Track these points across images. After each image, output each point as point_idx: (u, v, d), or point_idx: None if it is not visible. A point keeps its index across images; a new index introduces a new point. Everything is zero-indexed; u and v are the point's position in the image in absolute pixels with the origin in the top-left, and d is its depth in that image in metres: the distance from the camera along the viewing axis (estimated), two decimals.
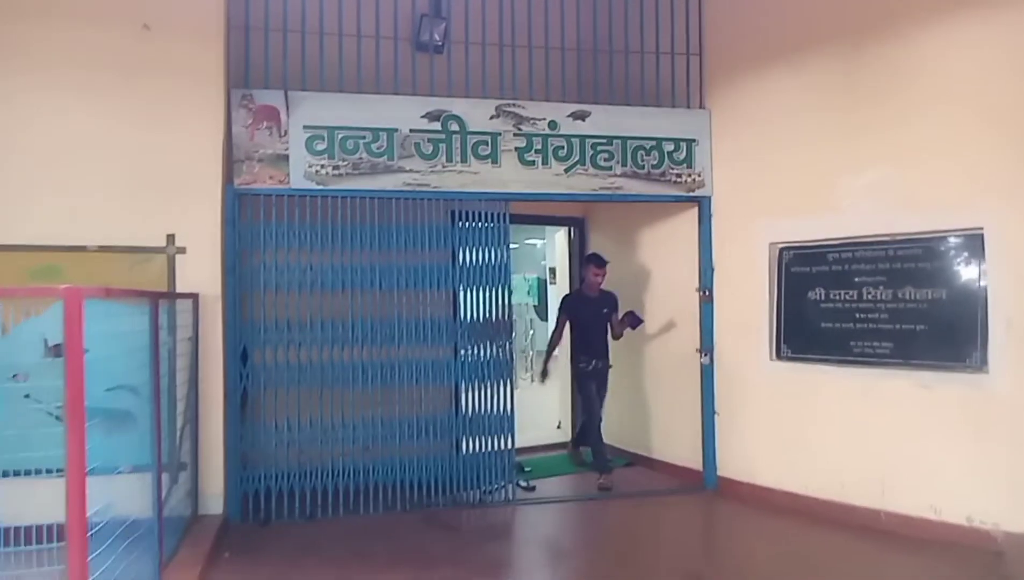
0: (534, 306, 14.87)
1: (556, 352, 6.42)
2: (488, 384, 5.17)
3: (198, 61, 4.54)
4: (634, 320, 5.77)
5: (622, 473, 5.79)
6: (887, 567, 3.96)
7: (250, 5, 4.86)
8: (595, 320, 5.76)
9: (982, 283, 4.09)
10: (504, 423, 5.17)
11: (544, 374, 6.09)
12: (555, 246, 7.74)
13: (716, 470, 5.38)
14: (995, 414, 4.01)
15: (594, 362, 5.70)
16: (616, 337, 5.86)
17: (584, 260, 5.93)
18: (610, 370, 5.84)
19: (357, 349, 4.91)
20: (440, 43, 5.46)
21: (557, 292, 7.87)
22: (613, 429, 6.18)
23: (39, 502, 3.36)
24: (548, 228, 8.50)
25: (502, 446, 5.17)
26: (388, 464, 4.98)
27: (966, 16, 4.15)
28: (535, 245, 15.79)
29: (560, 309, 6.04)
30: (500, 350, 5.20)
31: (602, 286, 5.81)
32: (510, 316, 5.26)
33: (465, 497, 5.08)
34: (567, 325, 5.95)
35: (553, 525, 4.98)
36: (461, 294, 5.20)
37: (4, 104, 4.26)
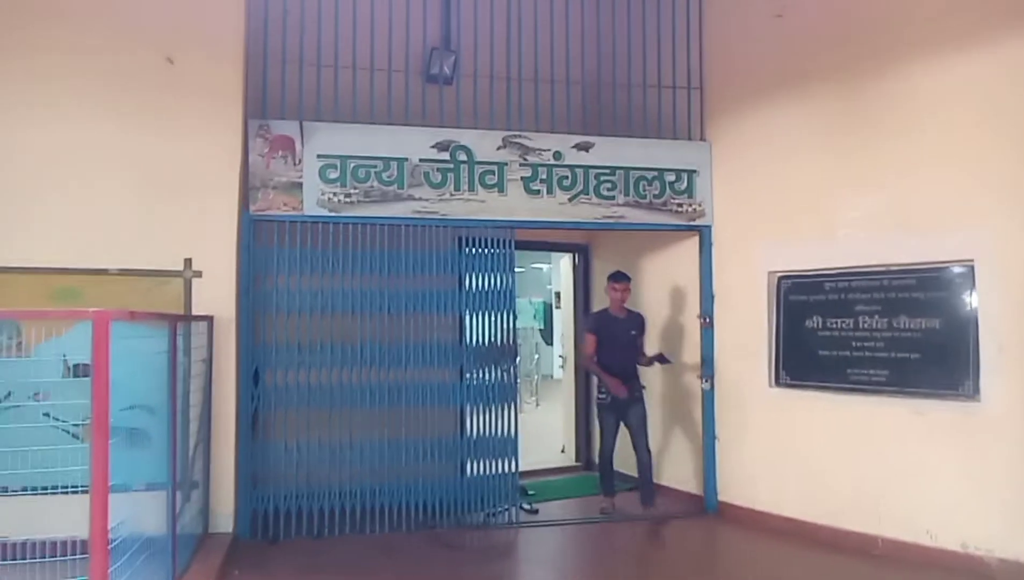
0: (540, 330, 14.97)
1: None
2: (493, 407, 5.29)
3: (218, 92, 4.73)
4: (663, 360, 5.50)
5: (624, 497, 5.84)
6: None
7: (268, 39, 5.06)
8: (621, 342, 5.42)
9: (974, 313, 4.21)
10: (508, 446, 5.28)
11: (631, 394, 5.35)
12: (560, 272, 7.88)
13: (717, 494, 5.46)
14: (988, 441, 4.10)
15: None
16: (641, 365, 5.55)
17: (607, 279, 5.62)
18: (644, 392, 5.48)
19: (365, 371, 5.04)
20: (450, 75, 5.66)
21: (562, 317, 7.99)
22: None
23: (55, 518, 3.50)
24: (554, 253, 8.65)
25: (506, 469, 5.28)
26: (394, 485, 5.09)
27: (960, 50, 4.30)
28: (541, 269, 15.93)
29: (587, 327, 5.64)
30: (505, 374, 5.32)
31: (626, 305, 5.53)
32: (515, 340, 5.39)
33: (469, 518, 5.18)
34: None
35: (555, 547, 5.06)
36: (467, 318, 5.33)
37: (31, 131, 4.45)
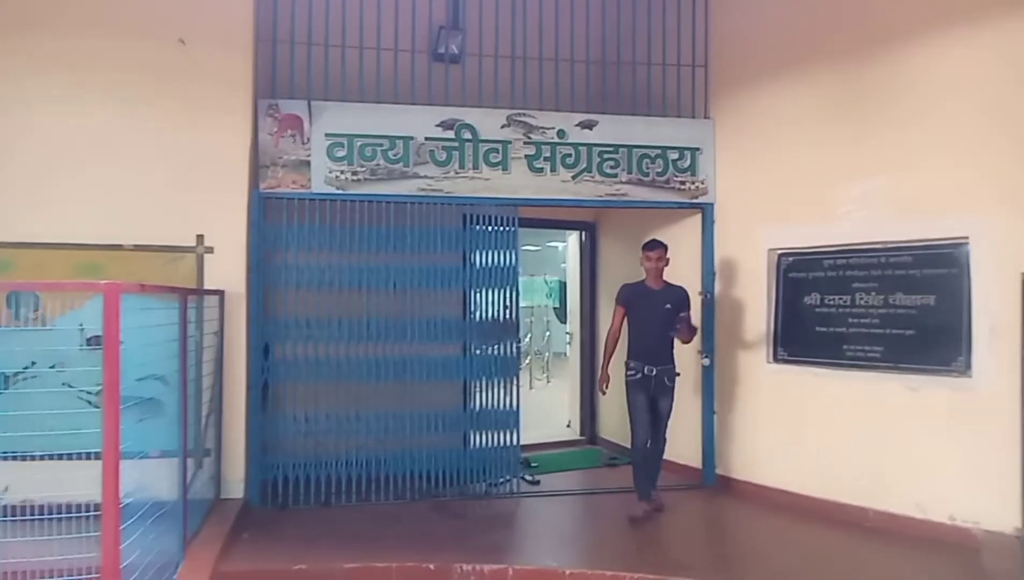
0: (555, 309, 15.06)
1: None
2: (496, 381, 5.42)
3: (228, 73, 4.86)
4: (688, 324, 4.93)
5: (625, 470, 5.97)
6: (869, 562, 4.11)
7: (277, 20, 5.16)
8: (652, 317, 4.84)
9: (968, 290, 4.25)
10: (510, 419, 5.42)
11: (606, 384, 5.01)
12: (567, 249, 7.96)
13: (715, 468, 5.57)
14: (978, 417, 4.17)
15: (646, 368, 4.81)
16: (681, 341, 4.98)
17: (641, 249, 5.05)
18: (677, 378, 4.93)
19: (372, 345, 5.19)
20: (457, 54, 5.72)
21: (569, 294, 8.08)
22: (615, 427, 6.38)
23: (74, 481, 3.68)
24: (567, 231, 8.72)
25: (508, 441, 5.42)
26: (399, 455, 5.25)
27: (961, 30, 4.32)
28: (556, 248, 15.97)
29: (616, 300, 5.04)
30: (508, 349, 5.44)
31: (666, 278, 4.97)
32: (518, 316, 5.50)
33: (472, 489, 5.34)
34: (623, 322, 4.96)
35: (553, 516, 5.19)
36: (471, 294, 5.45)
37: (52, 113, 4.62)
